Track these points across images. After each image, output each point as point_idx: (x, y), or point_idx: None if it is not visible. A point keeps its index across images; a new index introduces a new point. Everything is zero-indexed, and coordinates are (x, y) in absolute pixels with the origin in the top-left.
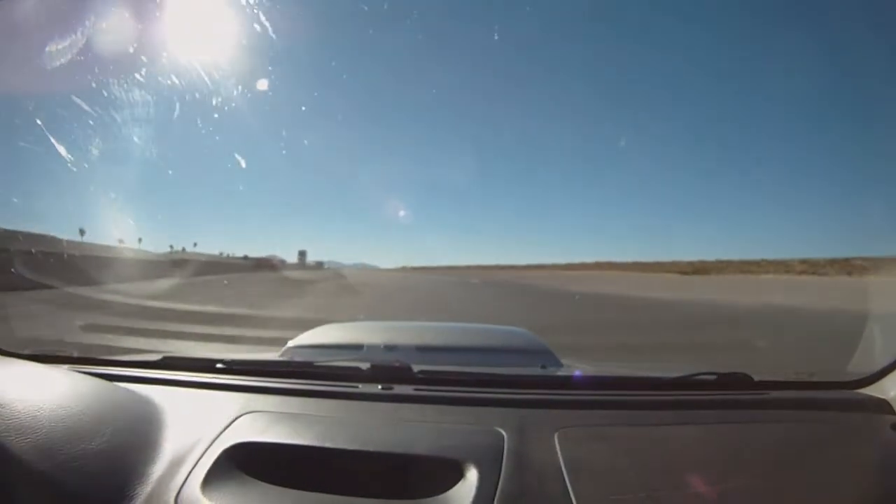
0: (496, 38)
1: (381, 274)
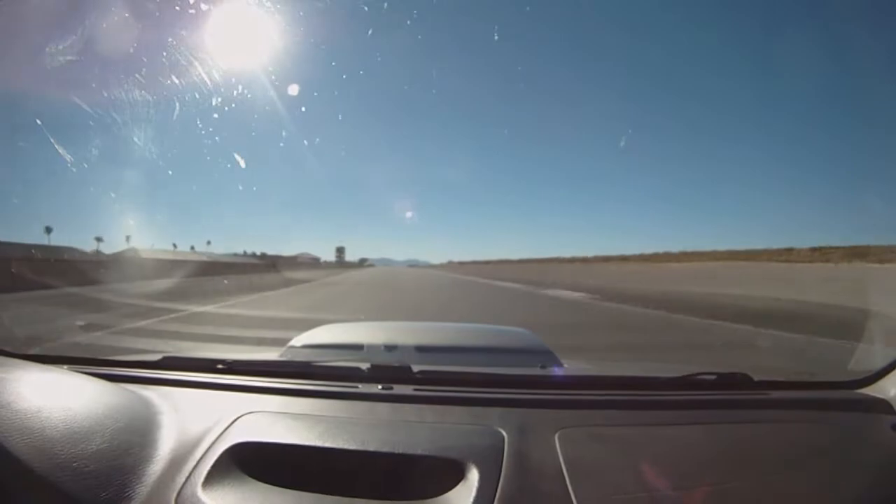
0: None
1: (410, 274)
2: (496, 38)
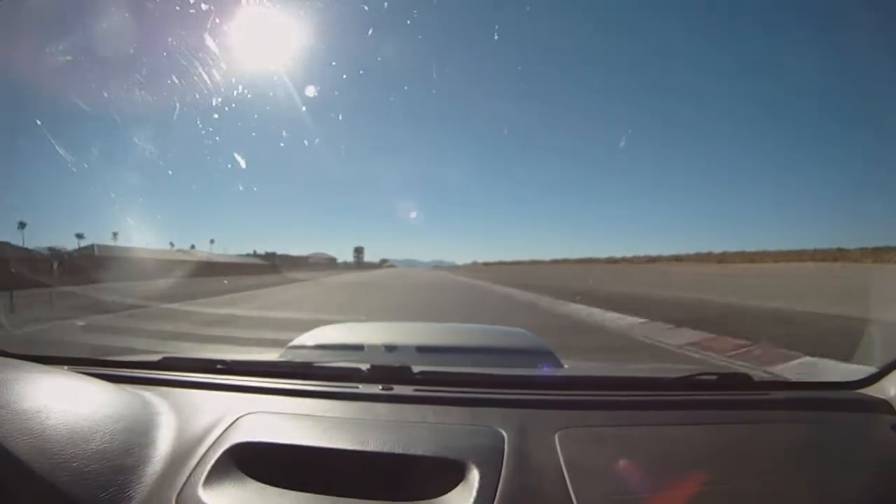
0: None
1: (421, 277)
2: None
